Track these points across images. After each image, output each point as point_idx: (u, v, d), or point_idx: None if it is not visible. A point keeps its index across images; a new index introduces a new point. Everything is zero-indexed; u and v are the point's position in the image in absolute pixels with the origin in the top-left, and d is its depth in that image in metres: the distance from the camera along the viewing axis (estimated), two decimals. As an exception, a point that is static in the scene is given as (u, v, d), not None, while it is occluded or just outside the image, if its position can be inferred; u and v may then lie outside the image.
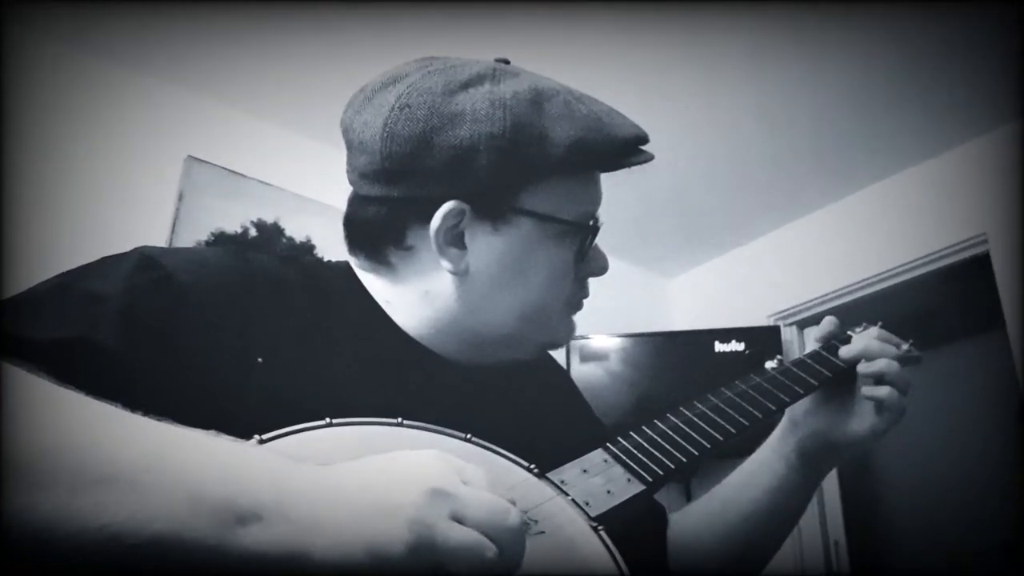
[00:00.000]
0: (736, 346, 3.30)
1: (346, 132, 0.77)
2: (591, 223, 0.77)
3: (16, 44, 2.41)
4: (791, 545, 3.24)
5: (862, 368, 0.87)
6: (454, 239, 0.72)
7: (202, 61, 2.66)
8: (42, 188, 2.36)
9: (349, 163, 0.77)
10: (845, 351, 0.89)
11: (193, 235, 2.61)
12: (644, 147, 0.76)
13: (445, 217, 0.71)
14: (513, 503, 0.49)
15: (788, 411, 0.90)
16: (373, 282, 0.78)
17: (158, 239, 2.52)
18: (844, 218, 3.48)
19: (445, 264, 0.72)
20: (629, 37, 2.56)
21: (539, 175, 0.73)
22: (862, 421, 0.86)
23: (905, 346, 0.93)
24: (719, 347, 3.33)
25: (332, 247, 0.84)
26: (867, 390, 0.86)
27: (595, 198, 0.78)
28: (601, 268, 0.81)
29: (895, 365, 0.86)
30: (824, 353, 0.91)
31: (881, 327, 0.95)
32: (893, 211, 3.29)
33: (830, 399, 0.88)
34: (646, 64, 2.68)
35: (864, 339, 0.90)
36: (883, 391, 0.85)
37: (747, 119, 2.96)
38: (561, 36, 2.51)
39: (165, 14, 2.44)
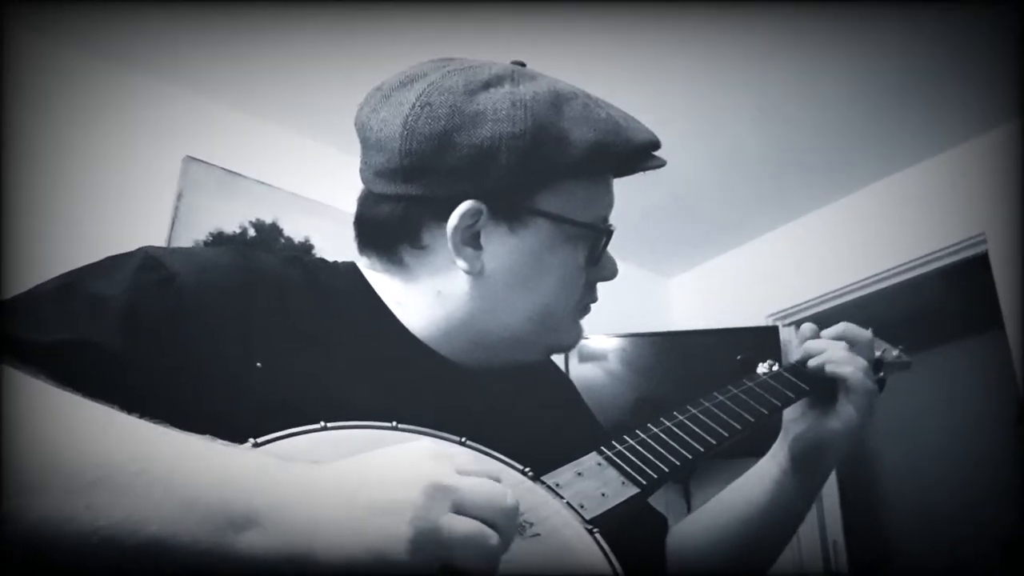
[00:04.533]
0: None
1: (361, 130, 0.77)
2: (604, 226, 0.77)
3: (16, 44, 2.41)
4: (790, 545, 3.24)
5: (811, 363, 0.89)
6: (470, 239, 0.72)
7: (201, 61, 2.66)
8: (41, 188, 2.37)
9: (364, 161, 0.77)
10: (796, 352, 0.92)
11: (191, 235, 2.62)
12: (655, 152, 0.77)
13: (462, 216, 0.71)
14: (498, 480, 0.50)
15: (784, 418, 0.91)
16: (383, 282, 0.78)
17: (156, 239, 2.52)
18: (843, 218, 3.48)
19: (460, 264, 0.72)
20: (627, 38, 2.56)
21: (556, 177, 0.73)
22: (837, 418, 0.86)
23: (895, 352, 0.93)
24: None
25: (331, 247, 0.84)
26: (827, 370, 0.87)
27: (608, 202, 0.79)
28: (611, 273, 0.81)
29: (840, 352, 0.88)
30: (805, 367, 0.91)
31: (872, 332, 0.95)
32: (892, 211, 3.30)
33: (815, 406, 0.89)
34: (644, 65, 2.68)
35: (810, 341, 0.92)
36: (844, 370, 0.86)
37: (746, 119, 2.96)
38: (560, 37, 2.51)
39: (164, 14, 2.44)
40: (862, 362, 0.88)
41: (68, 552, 0.41)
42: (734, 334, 3.40)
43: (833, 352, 0.88)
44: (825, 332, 0.93)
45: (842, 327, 0.93)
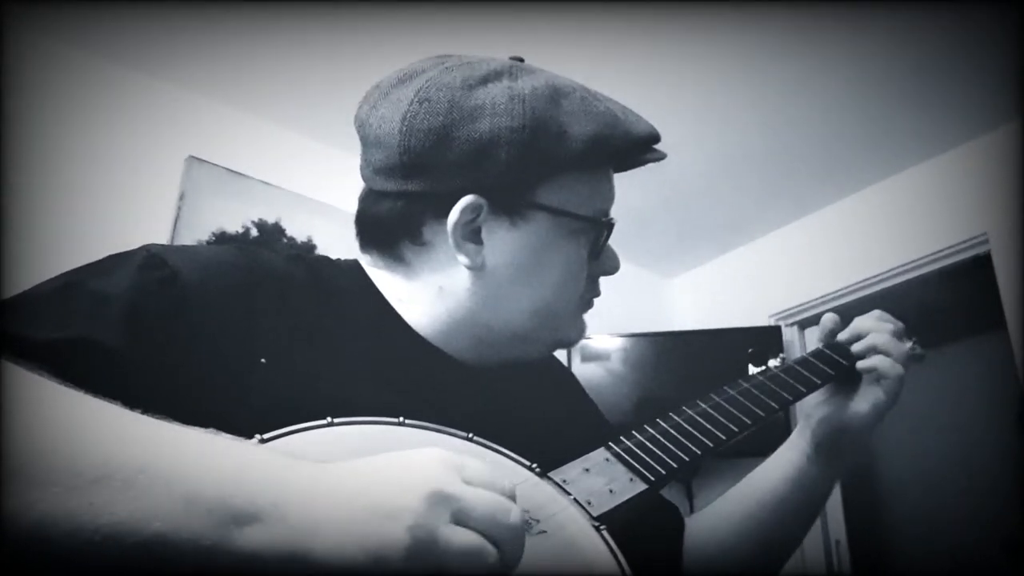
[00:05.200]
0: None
1: (361, 128, 0.77)
2: (606, 220, 0.77)
3: (16, 43, 2.41)
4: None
5: (856, 347, 0.90)
6: (471, 234, 0.72)
7: (203, 61, 2.66)
8: (43, 188, 2.37)
9: (364, 158, 0.77)
10: (842, 333, 0.93)
11: (194, 235, 2.62)
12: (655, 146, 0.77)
13: (463, 212, 0.71)
14: (513, 498, 0.49)
15: (802, 407, 0.90)
16: (385, 279, 0.77)
17: (159, 239, 2.52)
18: (845, 218, 3.48)
19: (462, 259, 0.72)
20: (629, 37, 2.56)
21: (556, 170, 0.73)
22: (865, 400, 0.87)
23: (908, 344, 0.93)
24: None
25: (334, 247, 0.83)
26: (861, 363, 0.89)
27: (609, 195, 0.79)
28: (613, 267, 0.81)
29: (886, 336, 0.89)
30: (827, 351, 0.91)
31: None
32: (894, 211, 3.29)
33: (839, 391, 0.90)
34: (646, 64, 2.68)
35: (859, 319, 0.93)
36: (875, 359, 0.88)
37: (748, 119, 2.96)
38: (560, 36, 2.51)
39: (166, 14, 2.44)
40: (904, 347, 0.89)
41: (70, 550, 0.40)
42: (736, 334, 3.40)
43: (879, 337, 0.90)
44: (866, 316, 0.94)
45: (879, 314, 0.94)
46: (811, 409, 0.90)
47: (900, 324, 0.93)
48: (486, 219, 0.72)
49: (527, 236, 0.73)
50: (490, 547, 0.46)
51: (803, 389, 0.86)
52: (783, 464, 0.90)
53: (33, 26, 2.46)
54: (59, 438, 0.44)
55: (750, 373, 0.88)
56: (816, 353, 0.91)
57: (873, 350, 0.89)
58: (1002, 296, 2.89)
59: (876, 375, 0.87)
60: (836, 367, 0.89)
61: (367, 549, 0.43)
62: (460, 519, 0.46)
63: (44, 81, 2.47)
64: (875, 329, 0.91)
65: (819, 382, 0.87)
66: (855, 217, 3.44)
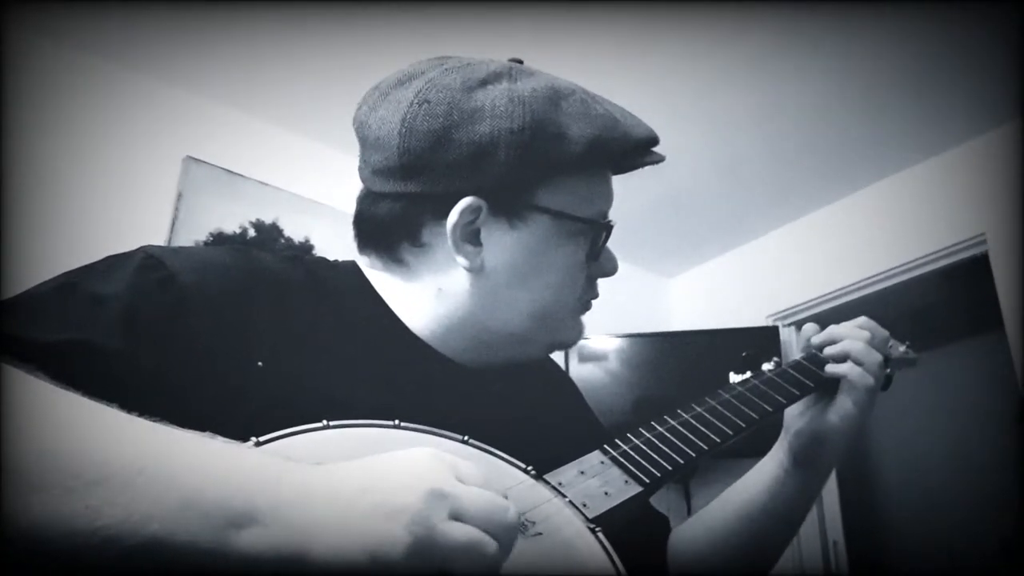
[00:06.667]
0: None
1: (360, 129, 0.77)
2: (604, 222, 0.77)
3: (16, 44, 2.41)
4: (790, 545, 3.23)
5: (827, 351, 0.89)
6: (470, 236, 0.72)
7: (201, 61, 2.66)
8: (41, 188, 2.37)
9: (362, 160, 0.77)
10: (815, 337, 0.92)
11: (192, 235, 2.62)
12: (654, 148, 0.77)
13: (462, 213, 0.71)
14: (505, 496, 0.50)
15: (785, 415, 0.90)
16: (384, 281, 0.78)
17: (157, 239, 2.52)
18: (843, 218, 3.48)
19: (460, 261, 0.72)
20: (627, 38, 2.56)
21: (555, 172, 0.73)
22: (835, 412, 0.86)
23: (902, 348, 0.92)
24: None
25: (331, 247, 0.83)
26: (830, 367, 0.88)
27: (608, 197, 0.79)
28: (611, 268, 0.81)
29: (860, 344, 0.88)
30: (820, 355, 0.91)
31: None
32: (892, 211, 3.30)
33: (817, 402, 0.89)
34: (645, 65, 2.68)
35: (834, 326, 0.92)
36: (843, 367, 0.86)
37: (747, 120, 2.96)
38: (559, 38, 2.51)
39: (164, 14, 2.44)
40: (878, 357, 0.87)
41: (68, 552, 0.41)
42: (734, 334, 3.40)
43: (852, 344, 0.88)
44: (844, 324, 0.92)
45: (862, 321, 0.92)
46: (790, 421, 0.90)
47: (884, 332, 0.92)
48: (485, 221, 0.72)
49: (526, 238, 0.73)
50: (489, 540, 0.46)
51: (796, 392, 0.86)
52: (763, 475, 0.89)
53: (31, 26, 2.46)
54: (56, 440, 0.44)
55: (740, 379, 0.88)
56: (808, 356, 0.91)
57: (844, 357, 0.88)
58: (1000, 296, 2.90)
59: (846, 384, 0.86)
60: (814, 378, 0.88)
61: (367, 549, 0.44)
62: (458, 515, 0.46)
63: (42, 81, 2.47)
64: (849, 336, 0.89)
65: (811, 385, 0.87)
66: (853, 217, 3.44)
